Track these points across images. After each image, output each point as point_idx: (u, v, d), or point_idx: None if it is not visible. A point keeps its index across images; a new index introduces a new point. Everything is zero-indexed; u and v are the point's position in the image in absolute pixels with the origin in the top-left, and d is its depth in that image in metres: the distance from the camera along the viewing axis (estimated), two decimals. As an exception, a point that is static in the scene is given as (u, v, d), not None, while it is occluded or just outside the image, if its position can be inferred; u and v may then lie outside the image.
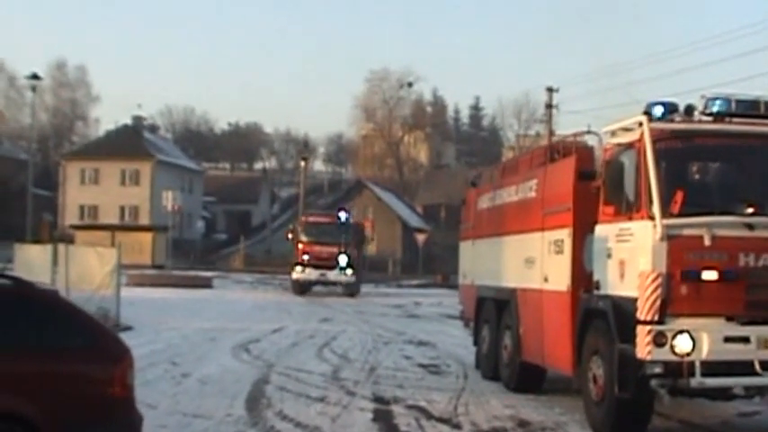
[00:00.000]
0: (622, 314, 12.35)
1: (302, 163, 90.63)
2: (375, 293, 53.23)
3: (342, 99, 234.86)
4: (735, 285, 11.84)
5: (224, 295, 45.00)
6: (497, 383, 17.57)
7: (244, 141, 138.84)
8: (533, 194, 16.19)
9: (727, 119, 12.70)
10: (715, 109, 12.68)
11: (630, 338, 11.98)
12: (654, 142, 12.19)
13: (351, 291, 48.10)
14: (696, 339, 11.74)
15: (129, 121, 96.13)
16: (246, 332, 26.19)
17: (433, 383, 17.80)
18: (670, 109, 12.61)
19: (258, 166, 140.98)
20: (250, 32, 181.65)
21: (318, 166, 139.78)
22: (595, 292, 13.38)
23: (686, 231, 11.86)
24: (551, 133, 51.63)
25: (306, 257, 47.83)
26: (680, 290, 11.81)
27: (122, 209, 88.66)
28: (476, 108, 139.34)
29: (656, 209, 11.89)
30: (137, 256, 62.48)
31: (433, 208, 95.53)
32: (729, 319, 11.96)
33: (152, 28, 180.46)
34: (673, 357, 11.72)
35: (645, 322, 11.80)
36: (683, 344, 11.73)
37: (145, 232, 77.21)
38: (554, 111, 57.84)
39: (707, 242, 11.79)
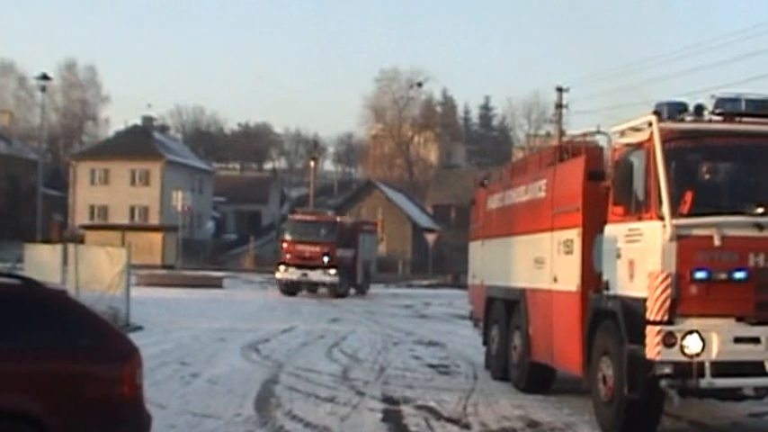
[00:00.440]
0: (632, 314, 12.32)
1: (312, 163, 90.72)
2: (385, 294, 53.27)
3: (352, 99, 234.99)
4: (745, 286, 11.81)
5: (234, 295, 45.03)
6: (507, 384, 17.56)
7: (254, 141, 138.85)
8: (543, 194, 16.17)
9: (737, 118, 12.69)
10: (725, 109, 12.66)
11: (640, 339, 11.96)
12: (663, 142, 12.17)
13: (335, 292, 46.44)
14: (706, 340, 11.71)
15: (138, 122, 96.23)
16: (256, 332, 26.21)
17: (442, 384, 17.79)
18: (679, 109, 12.60)
19: (268, 166, 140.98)
20: (260, 33, 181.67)
21: (328, 166, 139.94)
22: (605, 292, 13.36)
23: (696, 231, 11.83)
24: (561, 133, 51.52)
25: (288, 256, 46.72)
26: (689, 290, 11.79)
27: (132, 209, 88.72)
28: (486, 108, 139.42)
29: (665, 209, 11.86)
30: (147, 257, 62.56)
31: (443, 208, 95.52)
32: (739, 319, 11.93)
33: (162, 28, 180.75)
34: (682, 358, 11.69)
35: (654, 323, 11.78)
36: (692, 344, 11.71)
37: (155, 232, 77.26)
38: (564, 111, 57.74)
39: (717, 242, 11.77)
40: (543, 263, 15.85)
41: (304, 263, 46.18)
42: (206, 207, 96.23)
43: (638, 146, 12.78)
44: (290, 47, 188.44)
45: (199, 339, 24.08)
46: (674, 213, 11.80)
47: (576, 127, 57.38)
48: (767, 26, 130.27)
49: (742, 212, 12.02)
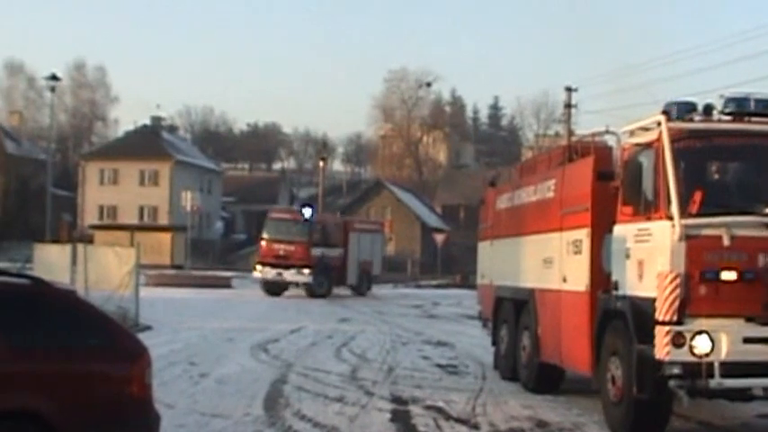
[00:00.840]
0: (641, 315, 12.31)
1: (321, 163, 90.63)
2: (394, 294, 53.25)
3: (360, 99, 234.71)
4: (754, 286, 11.78)
5: (243, 295, 45.08)
6: (516, 384, 17.55)
7: (262, 142, 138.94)
8: (552, 194, 16.16)
9: (746, 118, 12.67)
10: (734, 108, 12.64)
11: (649, 339, 11.94)
12: (672, 142, 12.15)
13: (314, 292, 45.37)
14: (715, 340, 11.70)
15: (148, 122, 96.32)
16: (265, 332, 26.23)
17: (451, 384, 17.78)
18: (688, 108, 12.58)
19: (277, 166, 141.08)
20: (268, 32, 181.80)
21: (337, 166, 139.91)
22: (614, 292, 13.34)
23: (705, 231, 11.81)
24: (570, 133, 51.43)
25: (265, 256, 46.17)
26: (699, 290, 11.77)
27: (141, 209, 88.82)
28: (495, 108, 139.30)
29: (674, 209, 11.84)
30: (156, 257, 62.67)
31: (452, 208, 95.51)
32: (749, 319, 11.90)
33: (171, 28, 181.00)
34: (691, 358, 11.68)
35: (663, 323, 11.76)
36: (701, 345, 11.69)
37: (164, 232, 77.42)
38: (573, 110, 57.64)
39: (726, 242, 11.75)
40: (552, 263, 15.83)
41: (278, 262, 45.48)
42: (215, 207, 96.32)
43: (648, 146, 12.76)
44: (298, 47, 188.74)
45: (208, 339, 24.11)
46: (684, 213, 11.77)
47: (584, 127, 57.35)
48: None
49: (751, 212, 11.99)
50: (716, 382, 11.66)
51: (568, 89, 57.91)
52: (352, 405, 14.88)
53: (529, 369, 17.12)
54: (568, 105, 57.94)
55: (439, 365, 20.48)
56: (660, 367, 11.84)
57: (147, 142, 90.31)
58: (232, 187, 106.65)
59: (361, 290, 49.73)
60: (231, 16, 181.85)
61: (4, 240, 45.61)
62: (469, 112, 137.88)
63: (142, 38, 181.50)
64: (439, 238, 71.08)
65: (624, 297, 12.96)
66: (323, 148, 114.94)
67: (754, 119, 12.66)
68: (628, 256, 12.95)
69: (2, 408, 8.27)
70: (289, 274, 45.30)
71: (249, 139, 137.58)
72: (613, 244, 13.51)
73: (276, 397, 15.42)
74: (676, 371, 11.74)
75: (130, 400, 8.81)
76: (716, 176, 12.95)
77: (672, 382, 11.81)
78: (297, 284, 45.86)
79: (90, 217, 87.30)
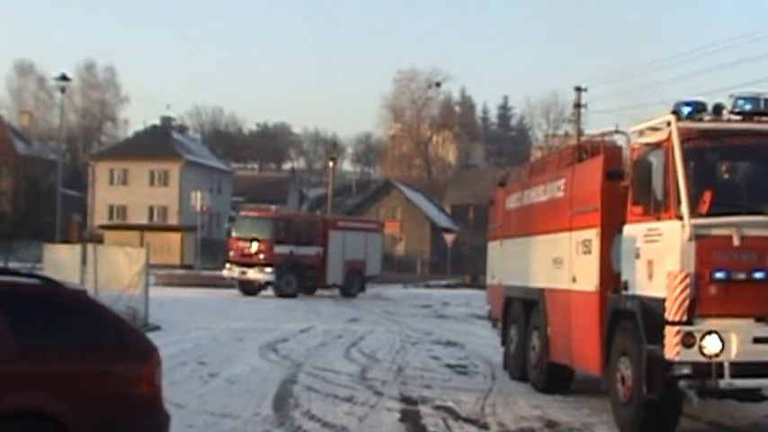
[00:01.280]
0: (651, 315, 12.29)
1: (330, 163, 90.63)
2: (403, 294, 53.22)
3: (370, 99, 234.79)
4: (764, 286, 11.75)
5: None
6: (525, 384, 17.54)
7: (272, 142, 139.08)
8: (561, 194, 16.14)
9: (756, 118, 12.64)
10: (744, 108, 12.61)
11: (659, 339, 11.92)
12: (682, 142, 12.13)
13: (282, 291, 44.35)
14: (725, 340, 11.67)
15: (157, 122, 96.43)
16: (274, 332, 26.25)
17: (460, 384, 17.78)
18: (698, 108, 12.55)
19: (287, 166, 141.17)
20: (278, 33, 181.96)
21: (347, 166, 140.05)
22: (623, 292, 13.33)
23: (715, 231, 11.79)
24: (580, 133, 51.36)
25: (232, 254, 45.66)
26: (708, 290, 11.75)
27: (151, 209, 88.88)
28: (504, 108, 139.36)
29: (684, 209, 11.82)
30: (165, 257, 62.71)
31: (462, 208, 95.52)
32: (759, 319, 11.88)
33: (180, 29, 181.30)
34: (701, 358, 11.65)
35: (673, 323, 11.75)
36: (711, 345, 11.67)
37: (173, 232, 77.42)
38: (582, 110, 57.58)
39: (736, 242, 11.73)
40: (562, 263, 15.82)
41: (243, 260, 45.01)
42: (225, 207, 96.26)
43: (657, 145, 12.74)
44: (308, 47, 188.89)
45: (217, 339, 24.13)
46: (693, 213, 11.75)
47: (594, 126, 57.28)
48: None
49: (761, 212, 11.97)
50: (726, 382, 11.64)
51: (578, 89, 57.85)
52: (362, 405, 14.88)
53: (538, 369, 17.10)
54: (578, 105, 57.86)
55: (448, 365, 20.48)
56: (670, 367, 11.82)
57: (157, 142, 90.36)
58: (242, 187, 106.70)
59: (350, 290, 47.64)
60: (241, 17, 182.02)
61: (14, 240, 45.59)
62: (479, 112, 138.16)
63: (152, 38, 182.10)
64: (448, 238, 71.07)
65: (634, 297, 12.94)
66: (332, 148, 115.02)
67: (763, 118, 12.63)
68: (637, 256, 12.94)
69: (13, 407, 8.30)
70: (252, 273, 44.69)
71: (259, 139, 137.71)
72: (623, 244, 13.49)
73: (285, 397, 15.43)
74: (686, 371, 11.72)
75: (140, 400, 8.83)
76: (726, 176, 12.91)
77: (681, 383, 11.79)
78: (259, 283, 45.21)
79: (100, 217, 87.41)
